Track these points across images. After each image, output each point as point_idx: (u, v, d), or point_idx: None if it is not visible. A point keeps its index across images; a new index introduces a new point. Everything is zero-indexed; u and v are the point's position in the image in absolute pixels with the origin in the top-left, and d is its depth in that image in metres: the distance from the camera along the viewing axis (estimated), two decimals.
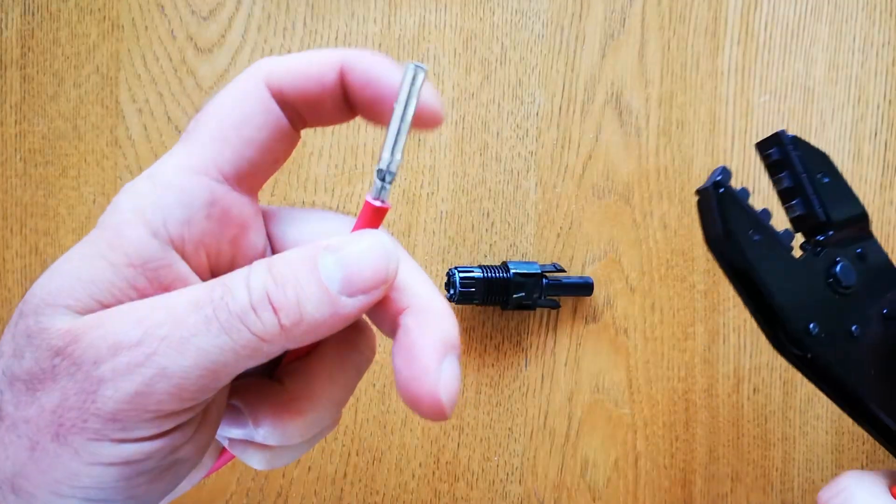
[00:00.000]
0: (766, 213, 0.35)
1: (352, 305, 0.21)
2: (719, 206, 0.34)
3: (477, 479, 0.43)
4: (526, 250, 0.44)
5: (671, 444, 0.44)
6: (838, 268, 0.35)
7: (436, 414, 0.21)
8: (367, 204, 0.23)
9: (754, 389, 0.45)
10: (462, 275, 0.41)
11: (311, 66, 0.23)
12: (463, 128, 0.43)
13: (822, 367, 0.34)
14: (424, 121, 0.23)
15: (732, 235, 0.34)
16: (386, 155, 0.23)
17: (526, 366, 0.44)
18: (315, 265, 0.21)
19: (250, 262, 0.23)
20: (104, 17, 0.42)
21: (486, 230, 0.44)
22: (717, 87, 0.45)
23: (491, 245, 0.44)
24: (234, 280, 0.20)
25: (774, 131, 0.37)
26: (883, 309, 0.36)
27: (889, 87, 0.46)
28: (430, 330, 0.22)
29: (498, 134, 0.44)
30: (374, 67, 0.22)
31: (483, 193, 0.43)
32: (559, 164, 0.44)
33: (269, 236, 0.24)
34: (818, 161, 0.36)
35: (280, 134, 0.23)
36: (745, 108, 0.45)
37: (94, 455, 0.19)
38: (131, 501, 0.20)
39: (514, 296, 0.41)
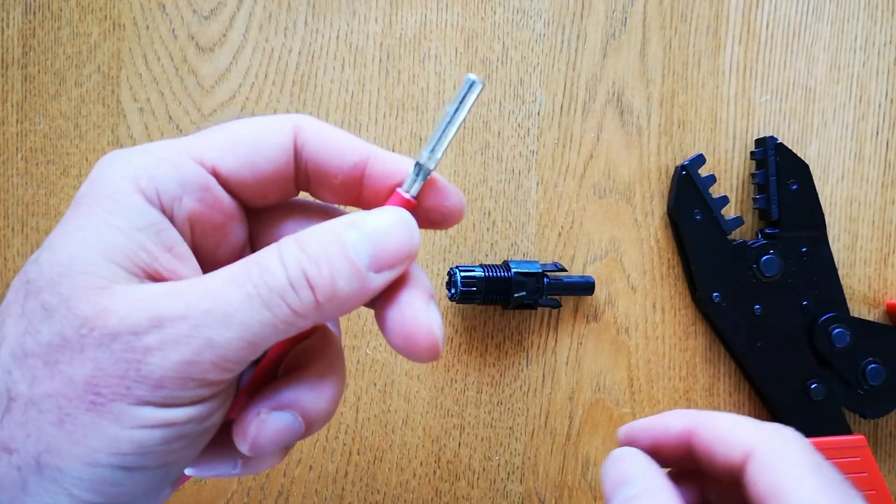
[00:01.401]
0: (722, 200, 0.43)
1: (379, 280, 0.22)
2: (678, 185, 0.43)
3: (478, 478, 0.43)
4: (527, 249, 0.44)
5: None
6: (763, 259, 0.43)
7: (432, 351, 0.23)
8: (397, 194, 0.24)
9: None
10: (463, 274, 0.40)
11: (346, 143, 0.24)
12: (464, 127, 0.43)
13: (717, 327, 0.44)
14: (445, 218, 0.25)
15: (678, 210, 0.43)
16: (426, 152, 0.24)
17: (527, 365, 0.44)
18: (343, 241, 0.21)
19: (233, 251, 0.24)
20: (105, 17, 0.42)
21: (488, 229, 0.44)
22: (718, 87, 0.45)
23: (492, 244, 0.44)
24: (267, 258, 0.21)
25: (771, 135, 0.44)
26: (804, 301, 0.43)
27: (890, 86, 0.46)
28: (412, 282, 0.23)
29: (499, 133, 0.44)
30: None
31: (484, 192, 0.43)
32: (560, 164, 0.44)
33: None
34: (795, 170, 0.43)
35: (282, 176, 0.24)
36: (747, 108, 0.45)
37: (138, 419, 0.19)
38: (162, 470, 0.20)
39: (516, 295, 0.41)
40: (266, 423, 0.22)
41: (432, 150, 0.24)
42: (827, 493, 0.20)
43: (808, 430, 0.42)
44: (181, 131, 0.42)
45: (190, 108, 0.42)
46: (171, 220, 0.22)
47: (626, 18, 0.44)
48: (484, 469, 0.44)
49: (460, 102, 0.23)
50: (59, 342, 0.19)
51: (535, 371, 0.44)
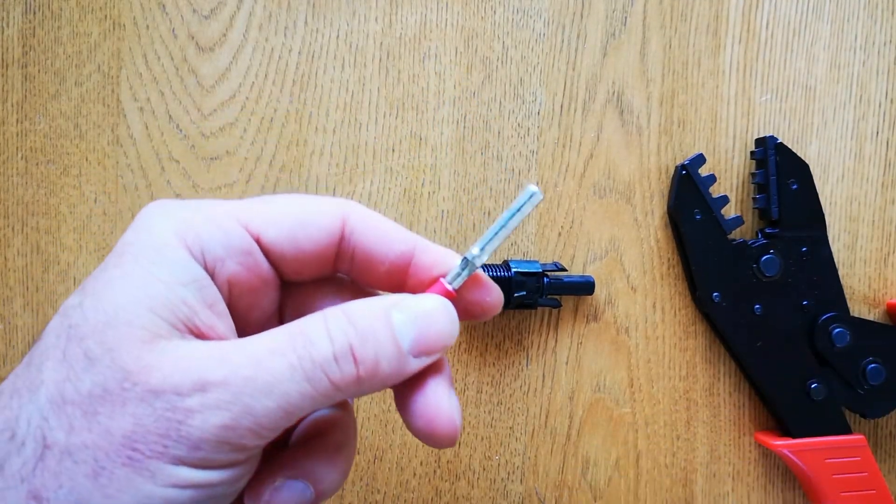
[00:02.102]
0: (722, 199, 0.43)
1: (416, 365, 0.23)
2: (678, 184, 0.43)
3: (478, 478, 0.43)
4: (527, 249, 0.44)
5: (672, 443, 0.44)
6: (763, 259, 0.42)
7: (451, 438, 0.23)
8: (440, 284, 0.24)
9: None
10: None
11: (395, 233, 0.25)
12: (464, 127, 0.43)
13: (717, 327, 0.43)
14: (484, 311, 0.26)
15: (678, 209, 0.43)
16: (476, 249, 0.24)
17: (527, 365, 0.44)
18: (390, 321, 0.22)
19: (265, 315, 0.25)
20: (105, 16, 0.42)
21: (488, 229, 0.44)
22: (718, 86, 0.45)
23: None
24: (313, 329, 0.21)
25: (771, 134, 0.44)
26: (804, 301, 0.43)
27: (891, 85, 0.46)
28: (437, 368, 0.24)
29: (499, 133, 0.44)
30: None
31: (484, 192, 0.43)
32: (560, 163, 0.44)
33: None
34: (795, 170, 0.43)
35: (323, 256, 0.24)
36: (747, 107, 0.45)
37: (173, 478, 0.19)
38: None
39: (516, 295, 0.41)
40: (280, 491, 0.23)
41: (482, 249, 0.24)
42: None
43: (809, 429, 0.42)
44: (181, 131, 0.42)
45: (190, 108, 0.42)
46: (212, 278, 0.22)
47: (626, 18, 0.44)
48: (484, 469, 0.44)
49: (517, 210, 0.24)
50: (100, 393, 0.19)
51: (535, 371, 0.44)
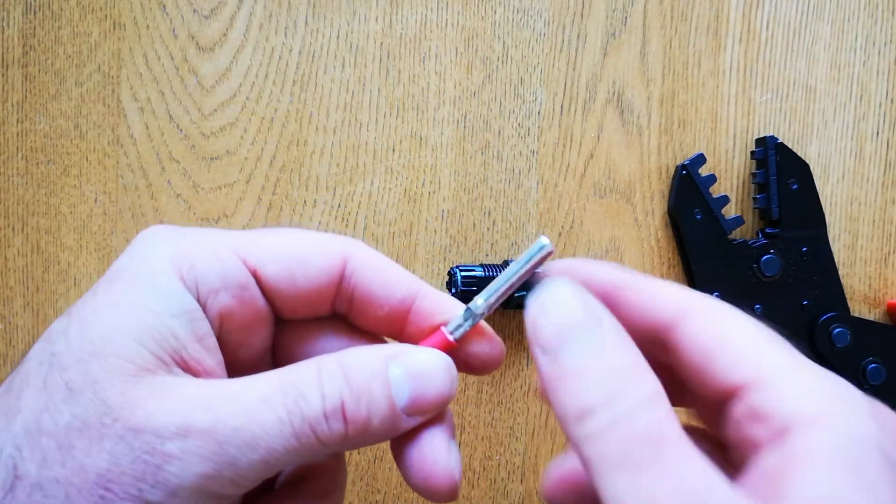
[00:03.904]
0: (723, 199, 0.43)
1: (408, 424, 0.22)
2: (678, 184, 0.43)
3: (478, 478, 0.43)
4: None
5: None
6: (763, 259, 0.42)
7: (450, 494, 0.22)
8: (441, 333, 0.23)
9: None
10: (463, 274, 0.41)
11: (397, 277, 0.23)
12: (464, 126, 0.43)
13: None
14: (485, 365, 0.24)
15: (678, 209, 0.43)
16: (481, 301, 0.23)
17: (527, 365, 0.44)
18: (386, 378, 0.21)
19: (255, 352, 0.24)
20: (106, 16, 0.42)
21: (488, 229, 0.44)
22: (718, 86, 0.45)
23: (492, 244, 0.44)
24: (306, 382, 0.20)
25: (771, 134, 0.44)
26: (804, 301, 0.43)
27: (891, 85, 0.46)
28: (433, 419, 0.22)
29: (499, 133, 0.44)
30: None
31: (484, 192, 0.43)
32: (561, 163, 0.44)
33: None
34: (796, 170, 0.43)
35: (321, 296, 0.23)
36: (747, 107, 0.45)
37: None
38: None
39: (516, 295, 0.41)
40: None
41: (486, 301, 0.23)
42: (768, 344, 0.19)
43: None
44: (181, 130, 0.42)
45: (190, 108, 0.42)
46: (204, 310, 0.21)
47: (626, 18, 0.44)
48: (484, 469, 0.44)
49: (526, 262, 0.23)
50: (78, 426, 0.18)
51: (535, 371, 0.44)
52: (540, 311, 0.19)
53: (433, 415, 0.22)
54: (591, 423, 0.17)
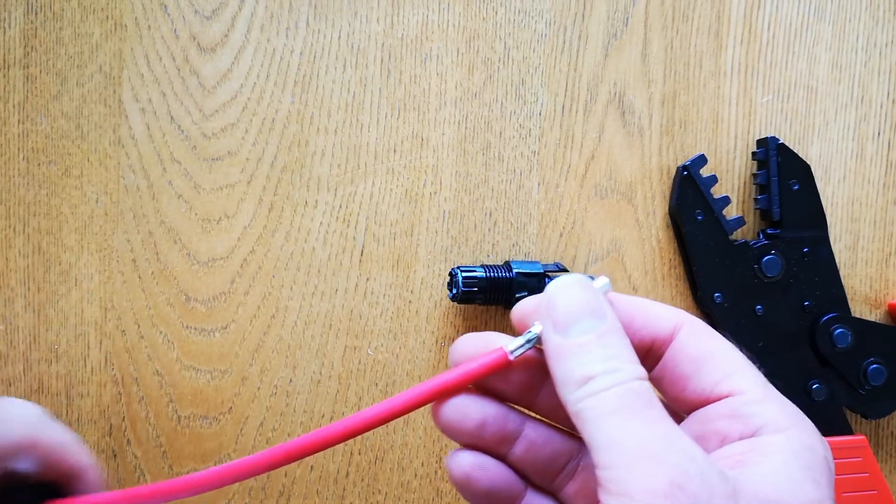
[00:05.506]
0: (724, 200, 0.43)
1: None
2: (679, 185, 0.43)
3: None
4: (528, 250, 0.44)
5: None
6: (765, 259, 0.42)
7: None
8: (503, 352, 0.24)
9: None
10: (465, 274, 0.41)
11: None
12: (465, 127, 0.43)
13: (719, 328, 0.42)
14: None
15: (680, 210, 0.43)
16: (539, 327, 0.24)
17: None
18: None
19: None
20: (107, 17, 0.42)
21: (489, 230, 0.44)
22: (719, 87, 0.45)
23: (493, 244, 0.44)
24: None
25: (773, 135, 0.44)
26: (805, 301, 0.43)
27: (892, 86, 0.46)
28: None
29: (500, 133, 0.44)
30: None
31: (486, 193, 0.43)
32: (562, 164, 0.44)
33: None
34: (797, 170, 0.43)
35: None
36: (748, 108, 0.45)
37: None
38: None
39: (517, 295, 0.41)
40: None
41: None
42: (746, 366, 0.23)
43: None
44: (183, 131, 0.42)
45: (192, 109, 0.42)
46: None
47: (627, 19, 0.44)
48: None
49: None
50: None
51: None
52: (557, 291, 0.23)
53: None
54: (593, 385, 0.20)
